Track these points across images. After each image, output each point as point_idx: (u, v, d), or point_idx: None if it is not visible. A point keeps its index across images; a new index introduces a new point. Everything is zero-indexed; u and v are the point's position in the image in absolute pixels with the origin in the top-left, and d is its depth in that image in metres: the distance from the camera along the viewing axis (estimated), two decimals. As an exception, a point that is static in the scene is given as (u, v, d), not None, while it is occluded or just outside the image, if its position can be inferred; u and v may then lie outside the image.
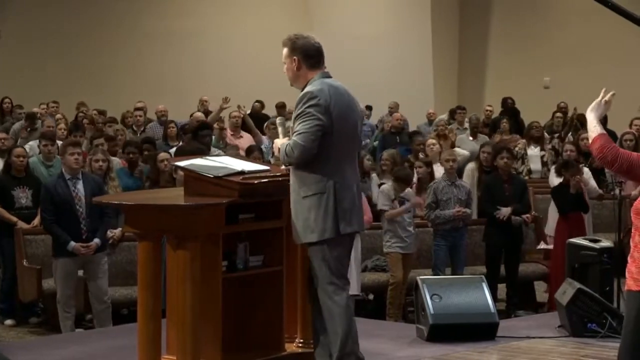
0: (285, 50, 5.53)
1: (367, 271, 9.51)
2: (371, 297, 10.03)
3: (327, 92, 5.36)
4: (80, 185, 8.23)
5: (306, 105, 5.31)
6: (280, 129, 5.77)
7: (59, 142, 11.76)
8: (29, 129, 13.10)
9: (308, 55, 5.47)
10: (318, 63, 5.50)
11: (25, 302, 9.28)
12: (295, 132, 5.33)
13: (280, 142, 5.52)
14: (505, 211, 9.48)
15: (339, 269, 5.43)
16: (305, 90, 5.39)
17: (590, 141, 4.47)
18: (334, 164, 5.38)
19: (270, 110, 16.73)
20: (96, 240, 8.20)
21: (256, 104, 17.04)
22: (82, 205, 8.17)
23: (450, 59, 19.96)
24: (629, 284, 4.08)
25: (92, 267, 8.28)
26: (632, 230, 4.15)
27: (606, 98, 4.64)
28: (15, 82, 16.83)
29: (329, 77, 5.52)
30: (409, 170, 9.69)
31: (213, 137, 11.69)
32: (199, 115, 13.96)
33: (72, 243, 8.10)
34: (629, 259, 4.14)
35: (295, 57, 5.46)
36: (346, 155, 5.46)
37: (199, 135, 11.11)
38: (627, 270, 4.12)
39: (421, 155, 11.40)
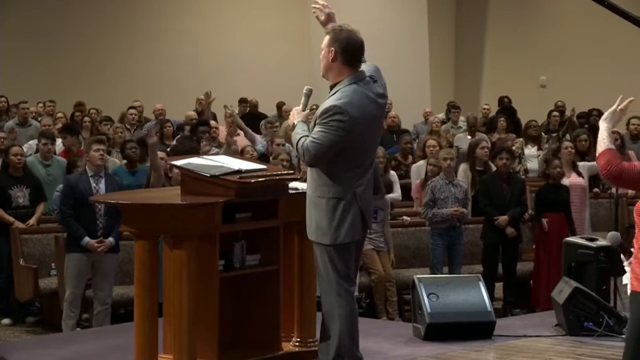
0: (326, 39, 5.36)
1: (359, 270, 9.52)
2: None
3: (357, 107, 5.22)
4: (102, 184, 8.20)
5: (332, 118, 5.19)
6: (303, 99, 5.53)
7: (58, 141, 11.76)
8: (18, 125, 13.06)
9: (346, 50, 5.30)
10: (354, 60, 5.33)
11: (22, 302, 9.28)
12: (313, 137, 5.23)
13: (297, 115, 5.40)
14: (502, 220, 9.49)
15: (345, 270, 5.37)
16: (335, 104, 5.22)
17: (597, 154, 4.34)
18: (357, 171, 5.31)
19: (269, 110, 16.73)
20: (110, 239, 8.16)
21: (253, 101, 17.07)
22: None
23: (446, 59, 19.96)
24: (634, 284, 4.07)
25: (101, 266, 8.22)
26: (636, 231, 4.15)
27: (622, 106, 4.47)
28: (11, 81, 16.80)
29: (363, 78, 5.34)
30: (390, 179, 9.66)
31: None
32: (192, 113, 13.96)
33: (87, 238, 8.06)
34: (633, 259, 4.13)
35: (332, 49, 5.30)
36: (366, 160, 5.39)
37: (198, 131, 11.10)
38: (631, 270, 4.11)
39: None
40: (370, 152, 5.46)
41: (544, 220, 9.62)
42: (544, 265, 9.62)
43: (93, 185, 8.17)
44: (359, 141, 5.28)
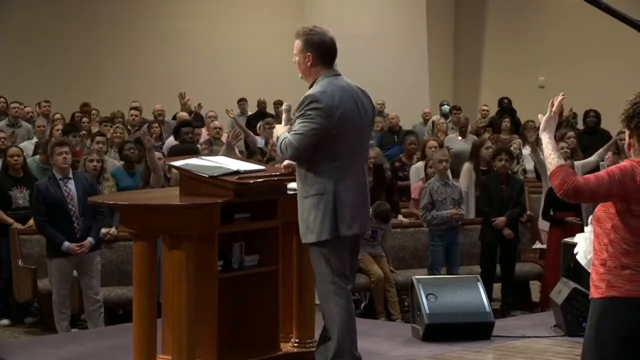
0: (298, 43, 5.44)
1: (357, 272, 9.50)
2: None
3: (331, 94, 5.32)
4: (71, 185, 8.20)
5: (307, 108, 5.29)
6: (284, 115, 5.70)
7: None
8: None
9: (321, 53, 5.41)
10: (331, 60, 5.45)
11: (21, 302, 9.27)
12: (294, 130, 5.33)
13: (280, 130, 5.50)
14: (500, 222, 9.48)
15: (341, 268, 5.40)
16: (309, 92, 5.36)
17: (549, 173, 4.01)
18: (337, 165, 5.35)
19: (268, 109, 16.77)
20: (90, 239, 8.17)
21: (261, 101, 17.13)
22: (75, 205, 8.15)
23: (445, 59, 19.97)
24: (591, 291, 4.10)
25: (85, 266, 8.25)
26: (592, 238, 4.14)
27: (555, 109, 4.19)
28: (11, 81, 16.79)
29: (338, 74, 5.47)
30: (388, 206, 9.62)
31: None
32: (184, 114, 13.98)
33: (66, 243, 8.09)
34: (591, 267, 4.14)
35: (309, 53, 5.40)
36: (351, 155, 5.42)
37: (181, 132, 11.10)
38: (590, 278, 4.13)
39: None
40: (353, 146, 5.44)
41: (571, 219, 9.45)
42: (554, 266, 9.43)
43: (63, 188, 8.17)
44: (338, 130, 5.32)
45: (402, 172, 11.45)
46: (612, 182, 3.91)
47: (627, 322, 3.95)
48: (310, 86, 5.45)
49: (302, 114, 5.31)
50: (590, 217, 4.35)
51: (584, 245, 5.55)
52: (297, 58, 5.46)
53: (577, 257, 4.91)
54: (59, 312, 8.26)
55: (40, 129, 12.39)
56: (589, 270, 4.48)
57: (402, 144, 12.73)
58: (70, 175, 8.28)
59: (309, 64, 5.41)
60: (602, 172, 3.99)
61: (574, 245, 7.57)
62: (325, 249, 5.35)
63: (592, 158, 10.62)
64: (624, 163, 4.00)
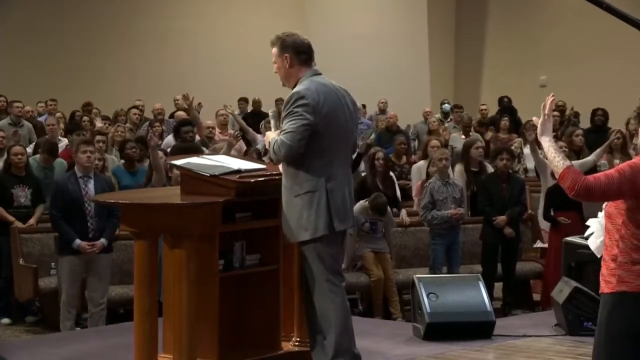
0: (275, 50, 5.55)
1: (358, 271, 9.51)
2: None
3: (316, 91, 5.38)
4: (91, 185, 8.19)
5: (294, 105, 5.34)
6: (272, 122, 5.79)
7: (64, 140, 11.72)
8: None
9: (299, 52, 5.50)
10: (309, 59, 5.53)
11: (22, 301, 9.28)
12: (282, 130, 5.36)
13: (272, 136, 5.53)
14: (501, 221, 9.47)
15: (334, 265, 5.45)
16: (294, 90, 5.41)
17: (557, 176, 4.02)
18: (325, 162, 5.40)
19: (268, 108, 16.75)
20: (102, 240, 8.15)
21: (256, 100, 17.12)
22: (91, 204, 8.13)
23: (446, 58, 19.98)
24: (602, 286, 4.10)
25: (95, 267, 8.21)
26: (604, 234, 4.15)
27: (547, 111, 4.19)
28: (11, 80, 16.79)
29: (319, 74, 5.54)
30: (385, 199, 9.63)
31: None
32: (182, 113, 13.97)
33: (78, 241, 8.06)
34: (601, 262, 4.15)
35: (286, 55, 5.49)
36: (338, 152, 5.47)
37: (181, 132, 11.11)
38: (600, 273, 4.13)
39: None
40: (340, 143, 5.48)
41: (562, 219, 9.44)
42: (555, 265, 9.41)
43: (82, 186, 8.16)
44: (325, 127, 5.36)
45: (392, 171, 11.42)
46: (623, 179, 3.93)
47: (637, 317, 3.96)
48: (293, 88, 5.49)
49: (289, 112, 5.35)
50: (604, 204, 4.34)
51: (595, 228, 5.57)
52: (276, 65, 5.56)
53: (589, 241, 4.94)
54: (67, 311, 8.22)
55: (50, 127, 12.40)
56: (598, 255, 4.48)
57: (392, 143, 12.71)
58: (91, 174, 8.27)
59: (287, 65, 5.50)
60: (611, 170, 4.00)
61: (575, 244, 7.60)
62: (319, 245, 5.39)
63: (590, 158, 10.61)
64: (634, 160, 4.02)
